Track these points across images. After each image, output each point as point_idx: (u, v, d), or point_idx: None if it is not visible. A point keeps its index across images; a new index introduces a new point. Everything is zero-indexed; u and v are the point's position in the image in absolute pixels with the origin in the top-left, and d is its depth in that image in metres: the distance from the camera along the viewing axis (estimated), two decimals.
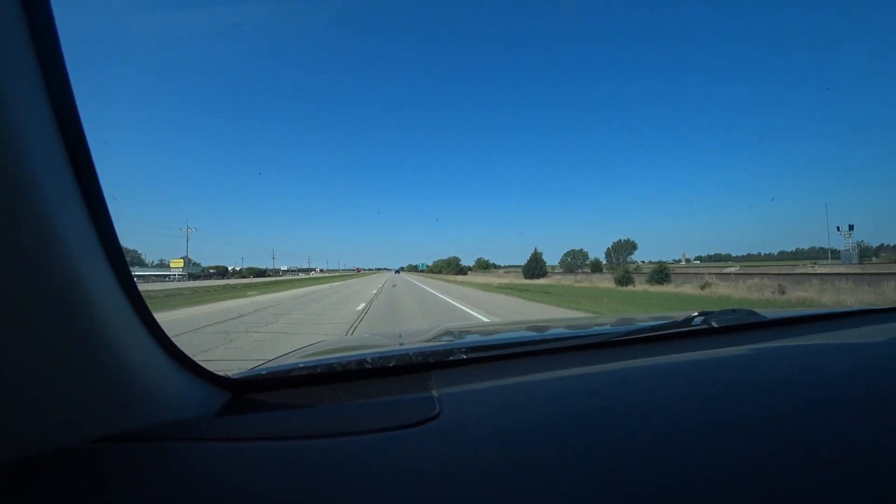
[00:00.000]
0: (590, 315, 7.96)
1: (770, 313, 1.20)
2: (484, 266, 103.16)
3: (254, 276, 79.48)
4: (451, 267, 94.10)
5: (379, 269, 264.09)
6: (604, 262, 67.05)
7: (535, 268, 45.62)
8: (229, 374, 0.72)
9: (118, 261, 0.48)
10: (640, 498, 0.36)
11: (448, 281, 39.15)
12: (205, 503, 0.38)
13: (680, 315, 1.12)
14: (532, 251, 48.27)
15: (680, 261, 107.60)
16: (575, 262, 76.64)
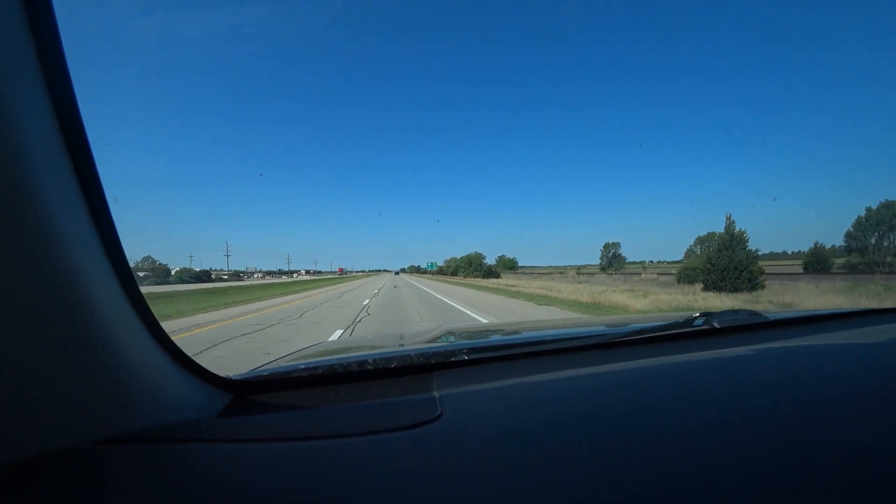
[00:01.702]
0: (591, 315, 8.10)
1: (772, 314, 1.20)
2: (509, 266, 78.09)
3: (183, 283, 54.28)
4: (474, 267, 68.17)
5: (378, 271, 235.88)
6: (831, 248, 39.96)
7: (739, 264, 20.08)
8: (230, 375, 0.71)
9: (119, 261, 0.48)
10: (643, 498, 0.36)
11: (503, 293, 18.38)
12: None
13: (682, 316, 1.12)
14: (729, 227, 21.95)
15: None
16: (710, 253, 46.59)
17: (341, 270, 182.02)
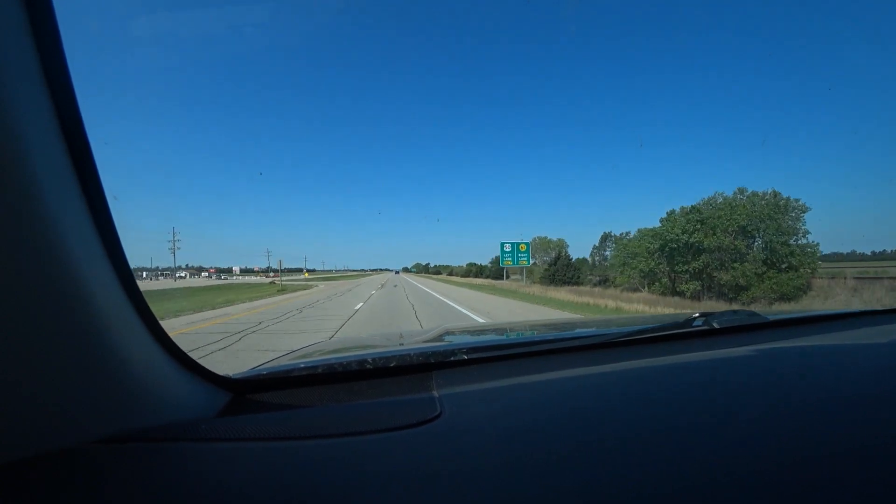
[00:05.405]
0: (590, 315, 8.34)
1: (771, 314, 1.21)
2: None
3: None
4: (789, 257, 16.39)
5: (377, 270, 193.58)
6: None
7: None
8: (230, 374, 0.72)
9: (120, 260, 0.48)
10: (643, 498, 0.36)
11: None
12: None
13: (681, 315, 1.13)
14: None
15: None
16: None
17: (265, 271, 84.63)
